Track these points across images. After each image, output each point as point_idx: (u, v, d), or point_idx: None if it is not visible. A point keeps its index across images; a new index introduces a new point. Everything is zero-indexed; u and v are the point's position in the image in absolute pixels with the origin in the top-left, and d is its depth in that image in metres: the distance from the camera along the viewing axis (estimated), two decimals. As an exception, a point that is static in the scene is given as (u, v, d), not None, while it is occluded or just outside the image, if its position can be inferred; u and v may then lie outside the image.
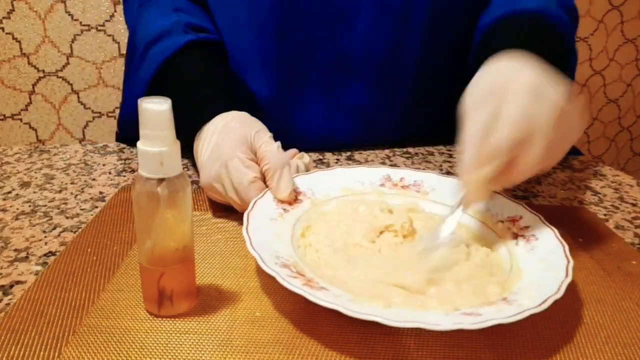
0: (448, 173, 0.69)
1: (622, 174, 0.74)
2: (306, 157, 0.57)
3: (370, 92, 0.72)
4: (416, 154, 0.76)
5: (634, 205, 0.63)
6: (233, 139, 0.51)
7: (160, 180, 0.34)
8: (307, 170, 0.56)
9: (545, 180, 0.69)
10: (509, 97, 0.42)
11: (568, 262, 0.40)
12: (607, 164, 0.81)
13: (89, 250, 0.46)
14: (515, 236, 0.46)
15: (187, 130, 0.56)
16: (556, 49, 0.59)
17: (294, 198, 0.50)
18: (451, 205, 0.46)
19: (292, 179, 0.50)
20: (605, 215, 0.60)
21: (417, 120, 0.78)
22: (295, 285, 0.36)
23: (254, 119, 0.55)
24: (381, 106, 0.74)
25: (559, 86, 0.44)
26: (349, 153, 0.75)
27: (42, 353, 0.34)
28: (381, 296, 0.38)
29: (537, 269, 0.41)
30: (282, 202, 0.49)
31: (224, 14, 0.71)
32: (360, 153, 0.75)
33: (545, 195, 0.64)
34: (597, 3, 1.49)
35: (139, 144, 0.33)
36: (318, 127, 0.73)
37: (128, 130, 0.75)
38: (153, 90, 0.63)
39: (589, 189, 0.67)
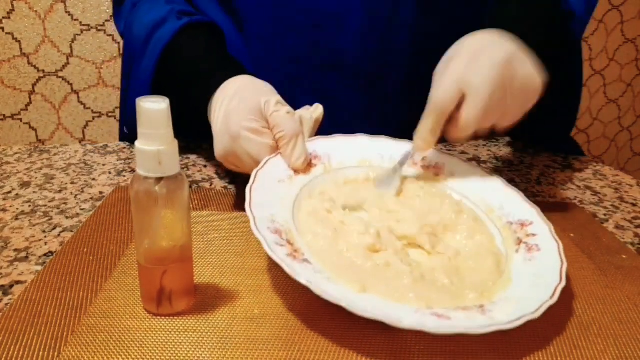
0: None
1: (622, 174, 0.74)
2: (320, 109, 0.55)
3: (361, 94, 0.72)
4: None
5: (634, 205, 0.63)
6: (243, 107, 0.50)
7: (159, 179, 0.34)
8: (316, 122, 0.55)
9: (545, 180, 0.69)
10: (450, 64, 0.48)
11: (559, 282, 0.39)
12: (607, 164, 0.81)
13: (85, 250, 0.46)
14: (519, 242, 0.45)
15: (199, 106, 0.56)
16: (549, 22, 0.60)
17: (307, 166, 0.50)
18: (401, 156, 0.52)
19: (305, 148, 0.50)
20: (605, 215, 0.60)
21: (410, 122, 0.77)
22: (277, 254, 0.36)
23: (263, 83, 0.55)
24: (373, 107, 0.74)
25: (504, 45, 0.49)
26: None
27: (41, 353, 0.34)
28: (359, 280, 0.38)
29: (527, 282, 0.40)
30: (294, 170, 0.49)
31: (207, 15, 0.71)
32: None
33: (545, 195, 0.64)
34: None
35: (137, 143, 0.34)
36: None
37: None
38: (159, 79, 0.63)
39: (589, 189, 0.67)
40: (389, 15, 0.68)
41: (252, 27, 0.69)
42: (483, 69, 0.47)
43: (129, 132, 0.76)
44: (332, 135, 0.54)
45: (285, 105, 0.51)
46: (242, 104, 0.51)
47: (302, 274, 0.35)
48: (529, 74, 0.49)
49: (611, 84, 1.61)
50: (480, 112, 0.46)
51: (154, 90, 0.64)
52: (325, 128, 0.74)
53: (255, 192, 0.42)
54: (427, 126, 0.50)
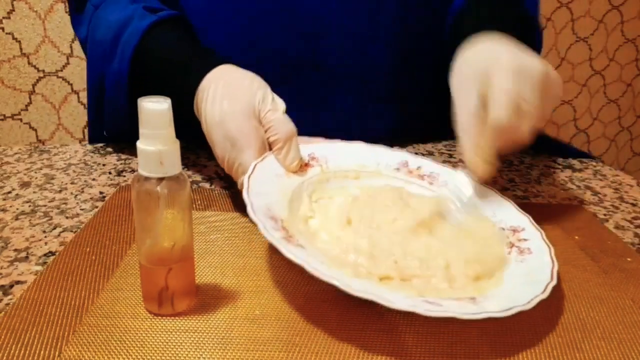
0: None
1: (622, 174, 0.74)
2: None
3: (345, 93, 0.72)
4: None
5: (634, 205, 0.63)
6: (239, 113, 0.49)
7: (160, 180, 0.34)
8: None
9: (545, 180, 0.69)
10: (494, 80, 0.46)
11: (551, 280, 0.39)
12: (607, 164, 0.81)
13: (88, 250, 0.46)
14: (511, 245, 0.46)
15: (182, 102, 0.54)
16: (521, 23, 0.63)
17: (304, 165, 0.51)
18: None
19: (299, 150, 0.50)
20: (605, 215, 0.60)
21: (394, 121, 0.77)
22: (274, 236, 0.36)
23: (248, 74, 0.53)
24: (357, 108, 0.73)
25: (534, 58, 0.48)
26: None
27: (42, 352, 0.34)
28: (351, 266, 0.38)
29: (518, 281, 0.41)
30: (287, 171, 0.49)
31: (187, 14, 0.70)
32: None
33: (545, 195, 0.64)
34: (597, 3, 1.49)
35: (138, 143, 0.34)
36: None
37: (114, 129, 0.73)
38: (133, 81, 0.62)
39: (589, 189, 0.67)
40: (371, 13, 0.68)
41: (232, 26, 0.68)
42: (529, 80, 0.46)
43: (108, 135, 0.75)
44: (331, 140, 0.55)
45: (280, 103, 0.51)
46: (235, 105, 0.50)
47: (297, 254, 0.35)
48: (552, 75, 0.49)
49: (611, 84, 1.61)
50: (536, 120, 0.47)
51: (131, 94, 0.62)
52: (308, 130, 0.73)
53: (253, 181, 0.43)
54: (488, 154, 0.47)
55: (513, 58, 0.47)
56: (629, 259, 0.50)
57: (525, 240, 0.46)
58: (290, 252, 0.35)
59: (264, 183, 0.45)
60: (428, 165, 0.56)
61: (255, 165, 0.46)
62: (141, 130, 0.33)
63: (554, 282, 0.39)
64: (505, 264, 0.44)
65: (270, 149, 0.50)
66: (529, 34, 0.64)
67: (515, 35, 0.53)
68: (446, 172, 0.55)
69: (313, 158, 0.52)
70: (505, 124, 0.45)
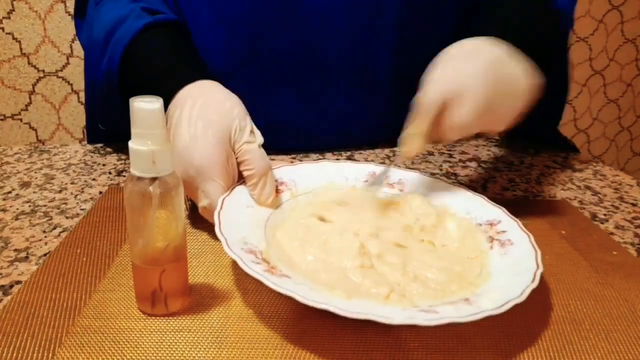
0: (447, 173, 0.69)
1: (622, 174, 0.73)
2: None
3: (346, 94, 0.72)
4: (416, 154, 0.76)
5: (634, 205, 0.63)
6: (211, 139, 0.46)
7: (153, 179, 0.34)
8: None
9: (545, 180, 0.69)
10: (442, 60, 0.48)
11: (537, 268, 0.39)
12: (607, 164, 0.81)
13: (79, 251, 0.46)
14: (491, 239, 0.46)
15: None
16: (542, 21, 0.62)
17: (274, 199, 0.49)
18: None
19: (274, 184, 0.48)
20: (605, 215, 0.60)
21: (396, 122, 0.77)
22: (256, 270, 0.36)
23: (229, 96, 0.50)
24: (358, 108, 0.73)
25: (498, 48, 0.49)
26: (349, 153, 0.75)
27: (35, 355, 0.34)
28: (342, 287, 0.38)
29: (506, 273, 0.41)
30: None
31: (190, 13, 0.68)
32: (360, 153, 0.75)
33: (545, 195, 0.64)
34: (597, 3, 1.48)
35: (130, 143, 0.33)
36: (293, 128, 0.72)
37: (109, 126, 0.71)
38: (122, 80, 0.60)
39: (589, 189, 0.67)
40: (374, 13, 0.68)
41: (229, 23, 0.67)
42: (476, 70, 0.47)
43: (105, 128, 0.73)
44: (295, 163, 0.55)
45: (258, 136, 0.48)
46: (209, 130, 0.46)
47: (283, 285, 0.35)
48: (514, 75, 0.48)
49: (611, 84, 1.60)
50: (475, 112, 0.46)
51: (122, 94, 0.60)
52: (309, 128, 0.73)
53: (224, 216, 0.42)
54: (416, 130, 0.48)
55: (464, 49, 0.49)
56: (614, 252, 0.51)
57: (503, 232, 0.46)
58: (277, 285, 0.34)
59: (236, 216, 0.43)
60: (395, 172, 0.56)
61: (224, 199, 0.44)
62: (133, 130, 0.33)
63: (541, 269, 0.39)
64: (488, 256, 0.44)
65: (239, 178, 0.48)
66: (551, 32, 0.64)
67: (527, 35, 0.52)
68: (414, 177, 0.55)
69: (281, 183, 0.51)
70: (431, 107, 0.47)
